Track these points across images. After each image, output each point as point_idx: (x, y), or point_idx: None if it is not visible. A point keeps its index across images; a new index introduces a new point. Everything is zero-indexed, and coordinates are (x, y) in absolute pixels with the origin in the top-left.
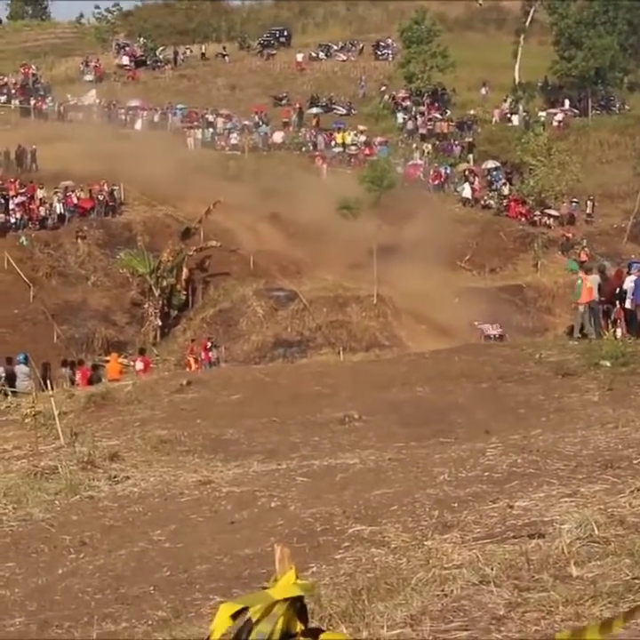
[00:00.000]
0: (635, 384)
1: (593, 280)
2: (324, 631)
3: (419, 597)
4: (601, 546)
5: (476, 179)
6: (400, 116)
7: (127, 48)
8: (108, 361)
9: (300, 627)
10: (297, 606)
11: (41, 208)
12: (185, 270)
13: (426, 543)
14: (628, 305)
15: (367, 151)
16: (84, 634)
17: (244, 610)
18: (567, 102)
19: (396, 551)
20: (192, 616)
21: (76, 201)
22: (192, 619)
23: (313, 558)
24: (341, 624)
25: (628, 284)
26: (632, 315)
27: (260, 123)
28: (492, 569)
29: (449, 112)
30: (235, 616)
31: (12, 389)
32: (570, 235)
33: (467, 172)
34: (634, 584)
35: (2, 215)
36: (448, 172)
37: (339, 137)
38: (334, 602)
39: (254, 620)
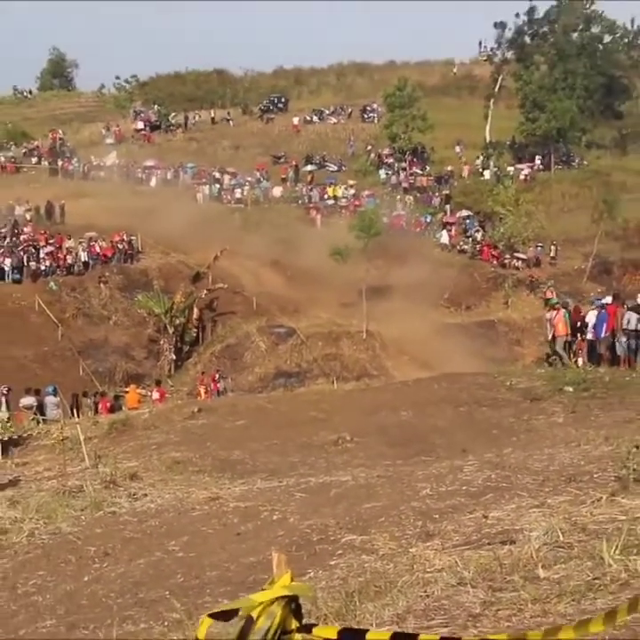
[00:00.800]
0: (595, 407)
1: (555, 315)
2: (315, 626)
3: (404, 598)
4: (565, 550)
5: (453, 227)
6: (383, 172)
7: (143, 114)
8: (127, 392)
9: (295, 624)
10: (292, 606)
11: (68, 256)
12: (195, 310)
13: (410, 550)
14: (589, 336)
15: (356, 203)
16: (106, 634)
17: (231, 612)
18: (538, 159)
19: (384, 557)
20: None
21: (98, 250)
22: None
23: (310, 565)
24: (335, 622)
25: (590, 318)
26: (592, 345)
27: (261, 179)
28: (469, 572)
29: (428, 168)
30: (216, 616)
31: (43, 417)
32: (535, 276)
33: (444, 221)
34: (594, 584)
35: (33, 263)
36: (428, 220)
37: (331, 191)
38: (329, 603)
39: (255, 617)
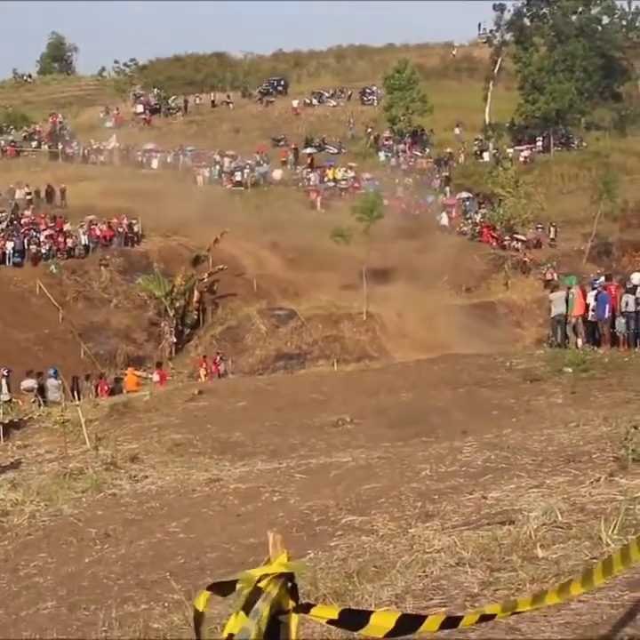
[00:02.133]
0: (594, 388)
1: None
2: (314, 606)
3: (403, 578)
4: (564, 530)
5: (453, 208)
6: (383, 154)
7: (143, 98)
8: (126, 374)
9: (291, 603)
10: (288, 586)
11: (68, 240)
12: (196, 293)
13: (410, 531)
14: (590, 317)
15: (356, 185)
16: (107, 615)
17: (229, 585)
18: (538, 140)
19: (384, 538)
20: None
21: (99, 233)
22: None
23: (310, 546)
24: (334, 602)
25: (590, 299)
26: (592, 326)
27: (261, 162)
28: (468, 552)
29: (428, 150)
30: (214, 589)
31: (44, 400)
32: (535, 257)
33: (444, 203)
34: (592, 563)
35: (34, 246)
36: (429, 202)
37: (330, 173)
38: (328, 583)
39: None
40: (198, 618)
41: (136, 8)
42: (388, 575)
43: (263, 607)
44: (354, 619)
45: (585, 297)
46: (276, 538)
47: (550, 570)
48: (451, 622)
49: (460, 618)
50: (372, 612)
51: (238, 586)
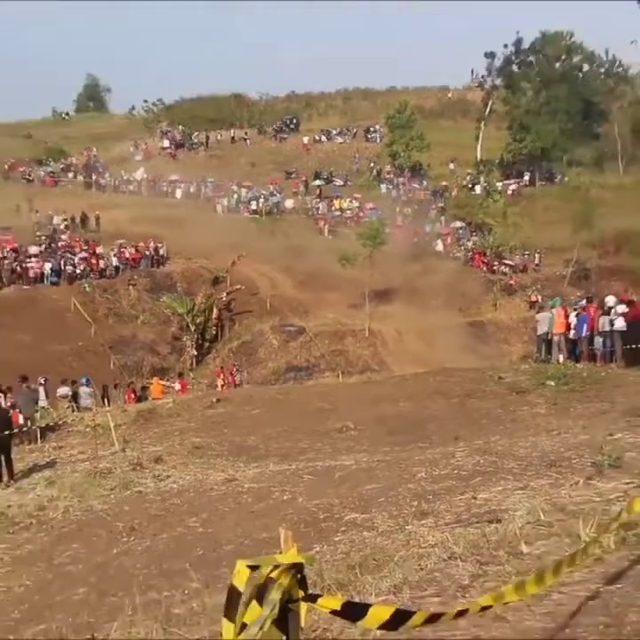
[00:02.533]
0: (573, 399)
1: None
2: (320, 596)
3: (400, 571)
4: (546, 528)
5: (448, 236)
6: (384, 187)
7: (169, 134)
8: (151, 383)
9: (300, 593)
10: (297, 577)
11: (100, 261)
12: (215, 310)
13: (406, 527)
14: (571, 336)
15: (360, 214)
16: (132, 601)
17: (257, 567)
18: (524, 175)
19: (383, 534)
20: (220, 587)
21: (128, 255)
22: (220, 589)
23: (316, 540)
24: (338, 592)
25: (572, 319)
26: (573, 343)
27: (275, 192)
28: (459, 547)
29: (425, 183)
30: (251, 568)
31: (77, 406)
32: (516, 281)
33: (439, 231)
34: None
35: (70, 267)
36: (427, 231)
37: (337, 203)
38: (333, 574)
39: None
40: (234, 596)
41: (163, 51)
42: (386, 568)
43: (276, 597)
44: (354, 611)
45: (567, 317)
46: (286, 534)
47: (534, 564)
48: (435, 617)
49: (442, 614)
50: (370, 605)
51: (262, 568)
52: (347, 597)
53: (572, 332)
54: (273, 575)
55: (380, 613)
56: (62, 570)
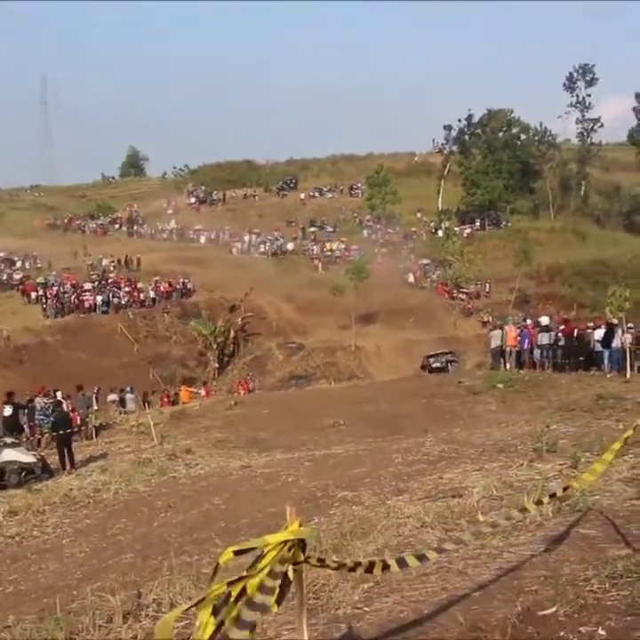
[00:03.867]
0: (518, 398)
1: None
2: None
3: (382, 537)
4: (498, 501)
5: (416, 270)
6: (365, 232)
7: (194, 192)
8: (181, 390)
9: (301, 557)
10: (301, 545)
11: (141, 294)
12: (232, 332)
13: (387, 502)
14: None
15: (347, 254)
16: (169, 563)
17: (248, 550)
18: (478, 222)
19: (368, 508)
20: None
21: (162, 289)
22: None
23: (315, 513)
24: (333, 554)
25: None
26: (518, 354)
27: (279, 237)
28: (429, 517)
29: (398, 229)
30: (238, 553)
31: (123, 409)
32: (472, 305)
33: (409, 267)
34: (518, 525)
35: (116, 299)
36: (399, 266)
37: (328, 245)
38: (329, 541)
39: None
40: (216, 569)
41: (189, 126)
42: (371, 535)
43: (276, 565)
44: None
45: (517, 333)
46: (291, 510)
47: (488, 530)
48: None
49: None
50: (343, 564)
51: (257, 546)
52: (340, 558)
53: (517, 345)
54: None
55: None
56: (113, 539)
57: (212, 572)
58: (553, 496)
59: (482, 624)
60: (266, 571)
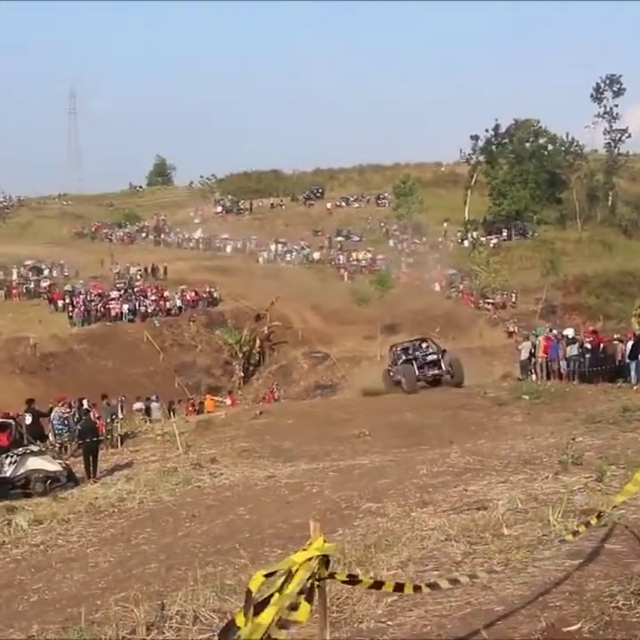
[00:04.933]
0: (544, 410)
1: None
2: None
3: (406, 550)
4: (522, 515)
5: (442, 280)
6: (392, 242)
7: (221, 201)
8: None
9: (325, 572)
10: (325, 560)
11: (167, 302)
12: (258, 341)
13: (411, 514)
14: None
15: (373, 264)
16: (194, 574)
17: (274, 573)
18: (505, 232)
19: (392, 520)
20: (263, 562)
21: (189, 298)
22: (263, 564)
23: (339, 525)
24: (357, 567)
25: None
26: (547, 364)
27: (305, 247)
28: (453, 530)
29: (424, 239)
30: (267, 576)
31: (149, 418)
32: (497, 316)
33: (436, 276)
34: (543, 539)
35: (143, 307)
36: (425, 276)
37: (354, 255)
38: (353, 553)
39: (294, 570)
40: (249, 598)
41: (215, 136)
42: (395, 547)
43: (303, 576)
44: (352, 581)
45: (549, 344)
46: (315, 525)
47: (513, 544)
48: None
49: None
50: (360, 580)
51: (282, 569)
52: (364, 572)
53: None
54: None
55: (367, 582)
56: (138, 549)
57: (245, 600)
58: (588, 525)
59: None
60: (296, 590)
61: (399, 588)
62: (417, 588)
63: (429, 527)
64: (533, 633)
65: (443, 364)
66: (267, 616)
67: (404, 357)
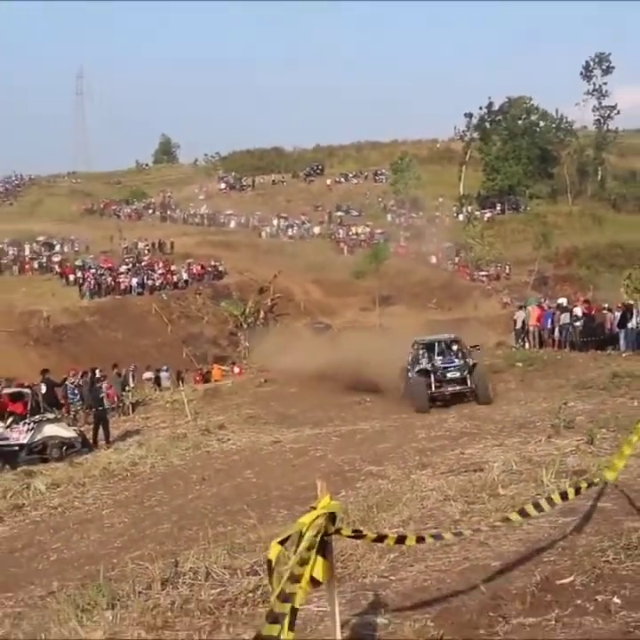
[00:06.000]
0: (537, 377)
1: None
2: (341, 528)
3: (407, 509)
4: (517, 476)
5: (438, 253)
6: (389, 216)
7: (224, 178)
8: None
9: (332, 528)
10: (331, 517)
11: (174, 276)
12: (262, 312)
13: (411, 476)
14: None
15: (371, 238)
16: (205, 533)
17: (287, 538)
18: (498, 206)
19: (393, 481)
20: (270, 523)
21: (195, 271)
22: (270, 524)
23: (343, 486)
24: (360, 526)
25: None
26: (539, 333)
27: (306, 222)
28: (452, 491)
29: (421, 213)
30: (282, 542)
31: (159, 387)
32: (491, 287)
33: (432, 249)
34: (537, 498)
35: (151, 281)
36: (421, 249)
37: (354, 229)
38: (356, 513)
39: (304, 531)
40: (270, 567)
41: (219, 113)
42: (396, 507)
43: (312, 533)
44: (358, 536)
45: (540, 313)
46: (322, 485)
47: (508, 503)
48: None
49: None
50: (365, 534)
51: (295, 531)
52: (367, 530)
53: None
54: (312, 520)
55: (372, 537)
56: (151, 510)
57: (267, 569)
58: (577, 492)
59: (502, 593)
60: (306, 545)
61: (401, 540)
62: (420, 540)
63: (428, 488)
64: (528, 586)
65: (468, 381)
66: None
67: (422, 363)
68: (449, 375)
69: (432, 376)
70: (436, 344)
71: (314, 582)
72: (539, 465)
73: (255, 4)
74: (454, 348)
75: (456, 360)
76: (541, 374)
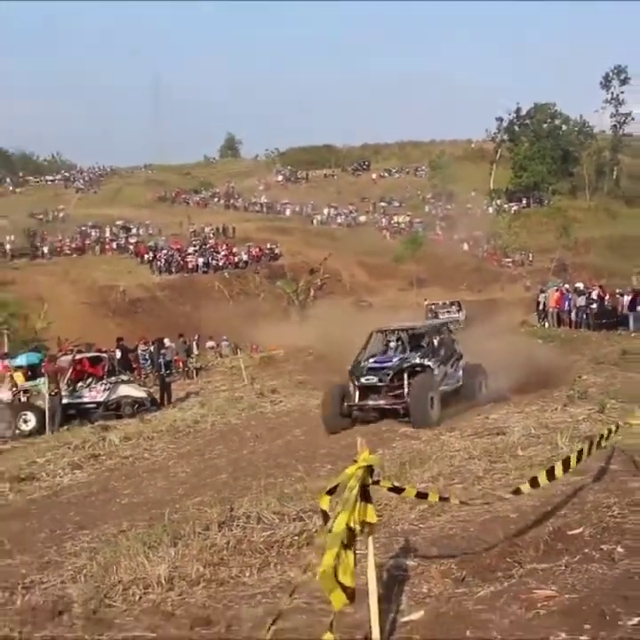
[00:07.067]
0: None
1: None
2: (380, 481)
3: (436, 466)
4: (535, 439)
5: (470, 241)
6: (427, 208)
7: (282, 172)
8: None
9: (370, 480)
10: (369, 470)
11: (235, 257)
12: (312, 291)
13: (441, 437)
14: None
15: (411, 226)
16: (257, 483)
17: (335, 487)
18: (524, 201)
19: (425, 442)
20: (316, 476)
21: (254, 253)
22: (316, 477)
23: (380, 445)
24: (394, 481)
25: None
26: (558, 314)
27: (353, 211)
28: (476, 451)
29: (455, 205)
30: (330, 492)
31: (220, 354)
32: (517, 272)
33: (464, 237)
34: (553, 459)
35: (215, 261)
36: (455, 238)
37: (395, 218)
38: (392, 469)
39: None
40: (325, 515)
41: (279, 112)
42: (427, 464)
43: (354, 483)
44: (397, 490)
45: (560, 296)
46: (361, 441)
47: (526, 462)
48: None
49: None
50: (404, 488)
51: (342, 481)
52: (401, 484)
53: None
54: (354, 472)
55: (409, 492)
56: (210, 462)
57: (322, 517)
58: (596, 445)
59: (519, 541)
60: (355, 492)
61: (444, 499)
62: (463, 503)
63: (456, 448)
64: (542, 535)
65: (402, 393)
66: (340, 523)
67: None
68: (363, 380)
69: (354, 381)
70: (394, 334)
71: (367, 525)
72: (554, 430)
73: (312, 12)
74: (424, 342)
75: (394, 359)
76: (559, 350)
